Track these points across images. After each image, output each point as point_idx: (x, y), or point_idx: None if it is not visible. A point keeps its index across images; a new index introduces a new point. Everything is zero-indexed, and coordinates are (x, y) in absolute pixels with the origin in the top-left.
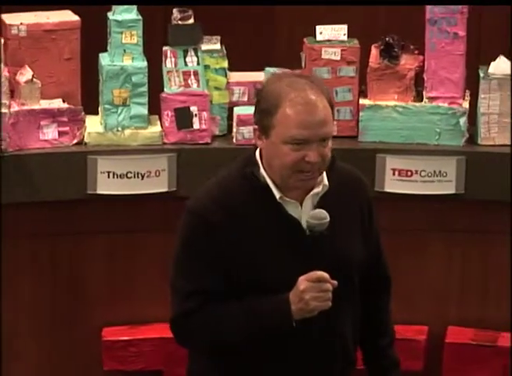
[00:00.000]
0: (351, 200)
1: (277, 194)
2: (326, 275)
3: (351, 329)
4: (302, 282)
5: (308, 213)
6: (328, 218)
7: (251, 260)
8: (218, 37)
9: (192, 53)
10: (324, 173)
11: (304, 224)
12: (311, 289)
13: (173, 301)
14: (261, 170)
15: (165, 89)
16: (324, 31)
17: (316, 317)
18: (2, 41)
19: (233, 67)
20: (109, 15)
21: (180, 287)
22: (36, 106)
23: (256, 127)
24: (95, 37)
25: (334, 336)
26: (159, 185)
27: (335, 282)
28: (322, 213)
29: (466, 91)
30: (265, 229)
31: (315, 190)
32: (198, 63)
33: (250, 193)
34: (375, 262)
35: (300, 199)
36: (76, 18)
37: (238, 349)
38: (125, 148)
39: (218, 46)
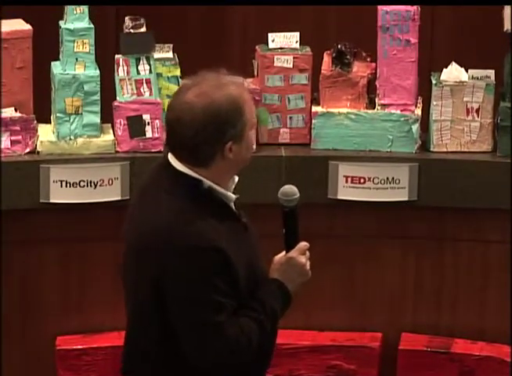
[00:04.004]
0: None
1: (230, 195)
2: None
3: None
4: (299, 256)
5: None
6: (297, 195)
7: (247, 265)
8: (171, 46)
9: (145, 61)
10: None
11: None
12: (307, 259)
13: (211, 337)
14: (205, 182)
15: (118, 98)
16: (276, 39)
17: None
18: None
19: (186, 75)
20: (61, 23)
21: (209, 317)
22: None
23: (219, 146)
24: (47, 46)
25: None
26: (112, 193)
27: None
28: (292, 188)
29: (419, 98)
30: (233, 232)
31: (236, 180)
32: (150, 72)
33: (214, 208)
34: None
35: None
36: (28, 27)
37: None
38: (78, 157)
39: (170, 54)
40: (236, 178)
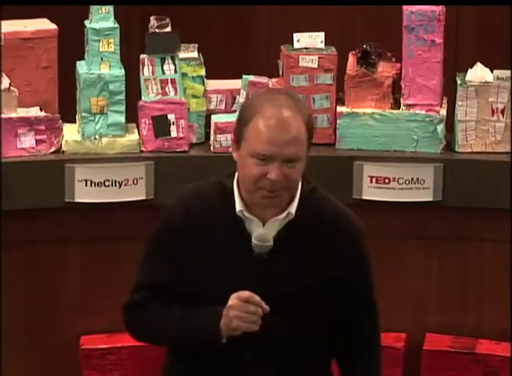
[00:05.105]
0: (324, 239)
1: (238, 207)
2: (255, 297)
3: (304, 364)
4: (232, 298)
5: (267, 231)
6: (269, 243)
7: (198, 270)
8: (196, 45)
9: (170, 61)
10: (295, 202)
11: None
12: (237, 307)
13: (130, 289)
14: (234, 181)
15: (143, 97)
16: (301, 39)
17: (248, 341)
18: None
19: (211, 75)
20: (87, 23)
21: (136, 278)
22: (13, 115)
23: (233, 138)
24: (72, 46)
25: (270, 364)
26: (136, 193)
27: (266, 307)
28: (266, 236)
29: (444, 98)
30: (219, 240)
31: (278, 217)
32: (176, 71)
33: (217, 203)
34: (353, 320)
35: (265, 219)
36: (53, 26)
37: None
38: (103, 156)
39: (195, 54)
40: (261, 229)
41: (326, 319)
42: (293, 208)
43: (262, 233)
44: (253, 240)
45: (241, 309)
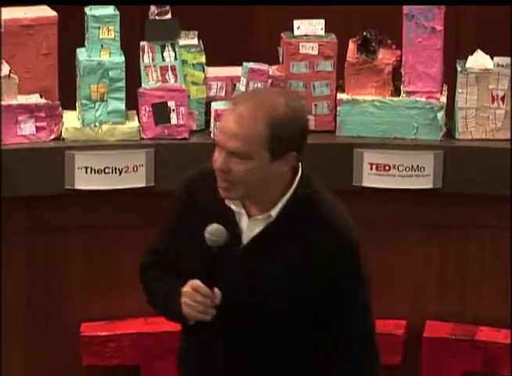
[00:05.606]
0: (309, 246)
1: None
2: (203, 288)
3: (280, 367)
4: (186, 285)
5: (250, 231)
6: (217, 238)
7: (190, 248)
8: (196, 32)
9: (170, 48)
10: (279, 205)
11: (243, 238)
12: (187, 295)
13: (144, 250)
14: None
15: (143, 84)
16: (302, 26)
17: (216, 335)
18: None
19: (211, 62)
20: (87, 10)
21: (151, 240)
22: (13, 102)
23: None
24: (72, 33)
25: (239, 363)
26: (137, 180)
27: (215, 300)
28: (217, 231)
29: (444, 85)
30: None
31: (258, 216)
32: (176, 58)
33: (215, 189)
34: (335, 321)
35: (250, 215)
36: (53, 13)
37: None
38: (103, 143)
39: (195, 41)
40: (244, 223)
41: (301, 321)
42: (274, 211)
43: (215, 227)
44: (205, 231)
45: (190, 297)
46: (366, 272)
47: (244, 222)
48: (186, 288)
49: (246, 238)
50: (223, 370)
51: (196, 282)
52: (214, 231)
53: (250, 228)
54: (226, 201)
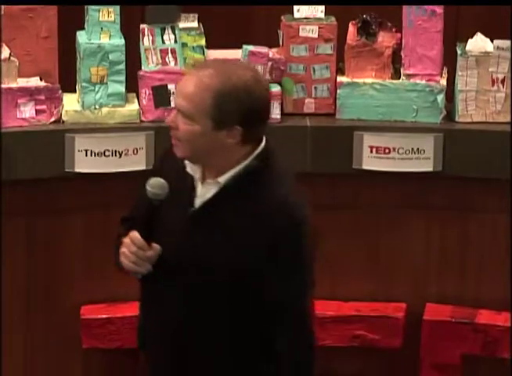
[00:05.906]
0: (253, 216)
1: (186, 161)
2: (138, 239)
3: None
4: (127, 236)
5: (202, 197)
6: (155, 191)
7: (154, 211)
8: (196, 15)
9: (170, 31)
10: (228, 173)
11: (196, 203)
12: (125, 245)
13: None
14: None
15: (143, 67)
16: (301, 9)
17: (156, 293)
18: None
19: (211, 45)
20: None
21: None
22: (13, 85)
23: None
24: (72, 15)
25: (175, 327)
26: (137, 163)
27: (149, 252)
28: (158, 183)
29: (444, 68)
30: (172, 188)
31: (208, 180)
32: (176, 41)
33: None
34: (270, 296)
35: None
36: None
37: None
38: (103, 126)
39: (195, 24)
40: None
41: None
42: (223, 178)
43: (156, 180)
44: (146, 184)
45: (127, 246)
46: (311, 254)
47: (200, 187)
48: (125, 239)
49: (198, 203)
50: (161, 333)
51: (134, 233)
52: (154, 183)
53: (202, 193)
54: (186, 165)
